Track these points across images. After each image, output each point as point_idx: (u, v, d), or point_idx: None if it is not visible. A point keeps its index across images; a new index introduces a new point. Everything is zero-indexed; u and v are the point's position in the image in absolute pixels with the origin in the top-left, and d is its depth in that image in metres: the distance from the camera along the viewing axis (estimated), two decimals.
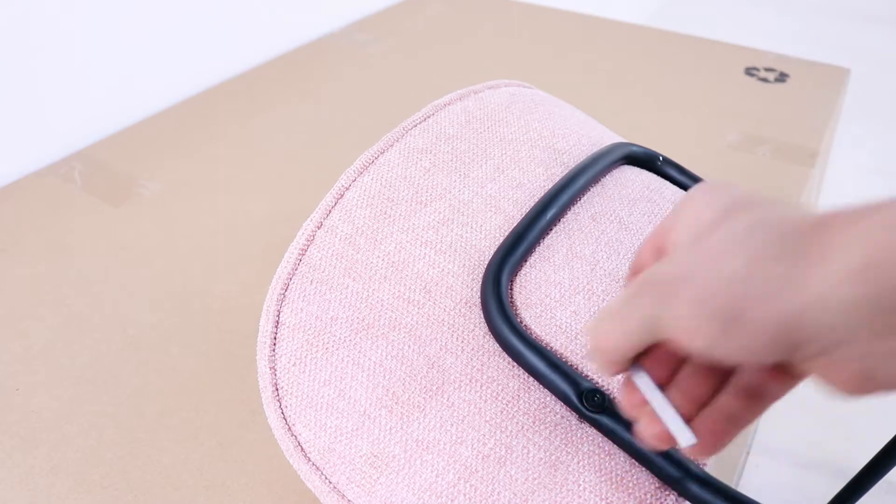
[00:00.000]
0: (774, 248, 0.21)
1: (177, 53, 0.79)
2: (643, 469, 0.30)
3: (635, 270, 0.28)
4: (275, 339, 0.34)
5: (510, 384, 0.31)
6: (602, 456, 0.30)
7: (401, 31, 0.97)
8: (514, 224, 0.36)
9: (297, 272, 0.35)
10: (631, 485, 0.29)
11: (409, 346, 0.33)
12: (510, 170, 0.39)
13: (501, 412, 0.31)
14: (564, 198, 0.37)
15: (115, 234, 0.59)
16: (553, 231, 0.36)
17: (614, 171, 0.41)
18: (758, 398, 0.26)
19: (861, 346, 0.21)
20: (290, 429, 0.33)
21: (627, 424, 0.29)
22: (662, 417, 0.25)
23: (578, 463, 0.30)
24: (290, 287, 0.35)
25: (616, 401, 0.31)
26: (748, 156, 0.71)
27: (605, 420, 0.30)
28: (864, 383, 0.23)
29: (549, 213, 0.36)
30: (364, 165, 0.38)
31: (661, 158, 0.44)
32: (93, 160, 0.68)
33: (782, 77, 0.87)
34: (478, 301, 0.33)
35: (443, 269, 0.34)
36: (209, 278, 0.55)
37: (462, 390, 0.31)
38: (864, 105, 1.49)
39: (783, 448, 0.95)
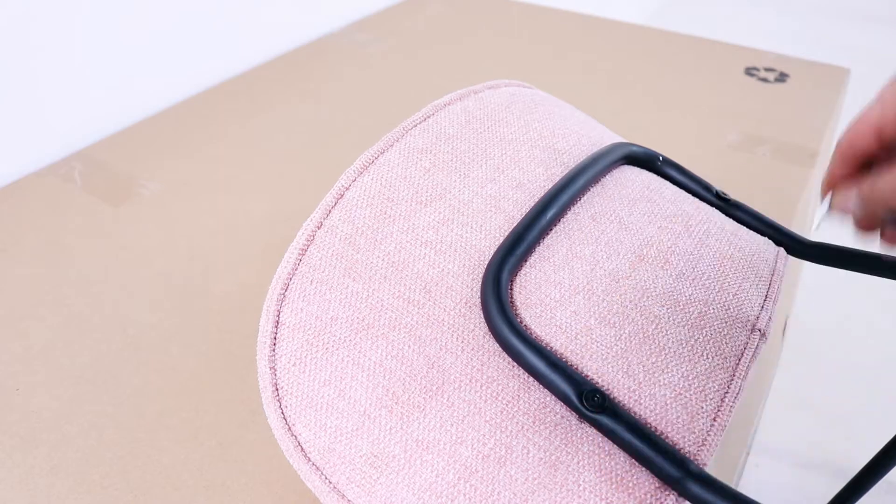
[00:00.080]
0: None
1: (177, 53, 0.79)
2: (643, 469, 0.30)
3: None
4: (275, 339, 0.34)
5: (510, 384, 0.31)
6: (602, 456, 0.30)
7: (401, 31, 0.97)
8: (515, 224, 0.36)
9: (297, 272, 0.35)
10: (631, 485, 0.29)
11: (409, 346, 0.33)
12: (510, 170, 0.39)
13: (501, 412, 0.31)
14: (564, 198, 0.37)
15: (115, 234, 0.59)
16: (553, 231, 0.36)
17: (614, 171, 0.41)
18: None
19: None
20: (290, 429, 0.33)
21: (627, 424, 0.29)
22: None
23: (578, 463, 0.30)
24: (290, 287, 0.35)
25: (616, 400, 0.31)
26: (748, 156, 0.71)
27: (605, 420, 0.30)
28: None
29: (549, 213, 0.36)
30: (364, 165, 0.38)
31: (661, 158, 0.44)
32: (93, 160, 0.68)
33: (782, 77, 0.87)
34: (478, 301, 0.33)
35: (443, 269, 0.34)
36: (209, 278, 0.55)
37: (462, 390, 0.31)
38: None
39: (783, 448, 0.96)
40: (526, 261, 0.35)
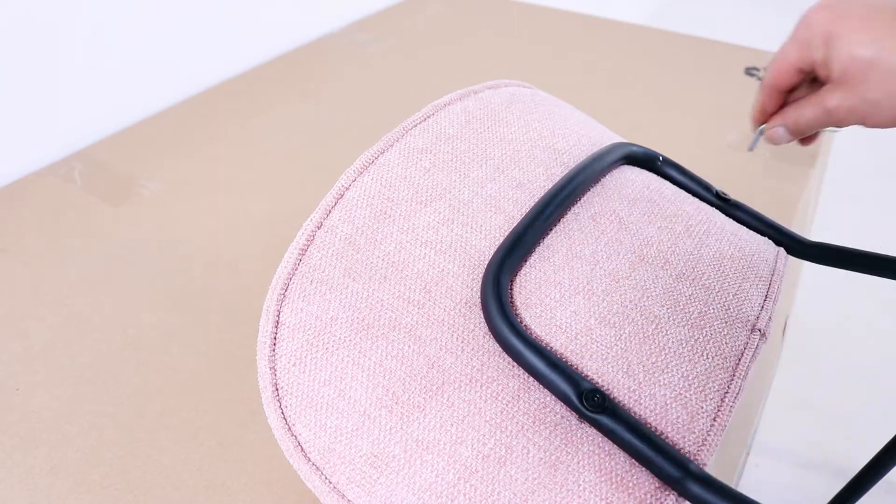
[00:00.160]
0: None
1: (177, 53, 0.79)
2: (643, 469, 0.30)
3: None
4: (275, 339, 0.34)
5: (510, 384, 0.31)
6: (602, 456, 0.30)
7: (401, 31, 0.97)
8: (514, 224, 0.36)
9: (297, 272, 0.35)
10: (631, 485, 0.29)
11: (409, 347, 0.33)
12: (510, 170, 0.39)
13: (501, 412, 0.31)
14: (564, 198, 0.37)
15: (115, 234, 0.59)
16: (553, 231, 0.36)
17: (614, 171, 0.41)
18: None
19: None
20: (290, 429, 0.33)
21: (627, 424, 0.29)
22: None
23: (578, 463, 0.30)
24: (290, 287, 0.35)
25: (616, 400, 0.31)
26: (748, 156, 0.71)
27: (605, 420, 0.30)
28: None
29: (549, 213, 0.36)
30: (364, 165, 0.38)
31: (661, 158, 0.44)
32: (93, 160, 0.68)
33: None
34: (478, 301, 0.33)
35: (443, 270, 0.34)
36: (209, 278, 0.55)
37: (462, 390, 0.31)
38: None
39: (783, 448, 0.96)
40: (526, 261, 0.35)
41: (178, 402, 0.45)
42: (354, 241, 0.36)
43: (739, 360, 0.34)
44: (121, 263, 0.56)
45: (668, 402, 0.31)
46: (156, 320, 0.51)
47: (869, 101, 0.34)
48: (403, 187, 0.37)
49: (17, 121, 0.66)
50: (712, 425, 0.31)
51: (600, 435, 0.30)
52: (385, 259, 0.35)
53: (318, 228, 0.36)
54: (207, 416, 0.44)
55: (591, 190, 0.39)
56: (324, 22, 0.97)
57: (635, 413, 0.31)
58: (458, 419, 0.31)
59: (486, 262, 0.34)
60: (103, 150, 0.70)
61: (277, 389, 0.33)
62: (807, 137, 0.41)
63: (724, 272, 0.37)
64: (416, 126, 0.40)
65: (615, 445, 0.30)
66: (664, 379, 0.32)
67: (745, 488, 0.89)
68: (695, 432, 0.31)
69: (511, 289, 0.34)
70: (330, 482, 0.32)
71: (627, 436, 0.29)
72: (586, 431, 0.30)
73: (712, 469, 0.31)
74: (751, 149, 0.41)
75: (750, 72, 0.88)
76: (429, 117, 0.41)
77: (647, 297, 0.35)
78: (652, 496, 0.29)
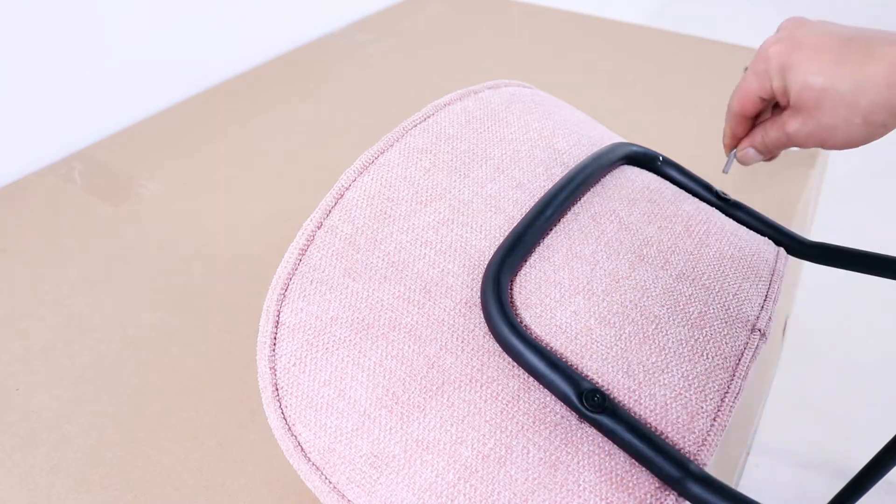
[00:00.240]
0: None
1: (177, 53, 0.79)
2: (643, 469, 0.30)
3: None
4: (275, 339, 0.34)
5: (510, 384, 0.31)
6: (602, 456, 0.30)
7: (401, 31, 0.97)
8: (514, 224, 0.36)
9: (297, 272, 0.35)
10: (631, 485, 0.29)
11: (409, 346, 0.33)
12: (510, 170, 0.39)
13: (501, 412, 0.31)
14: (564, 198, 0.37)
15: (115, 234, 0.59)
16: (553, 231, 0.36)
17: (614, 171, 0.41)
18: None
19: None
20: (290, 429, 0.33)
21: (627, 424, 0.29)
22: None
23: (578, 463, 0.30)
24: (290, 287, 0.35)
25: (616, 400, 0.31)
26: None
27: (605, 420, 0.30)
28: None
29: (549, 213, 0.36)
30: (364, 165, 0.38)
31: (661, 158, 0.44)
32: (93, 160, 0.68)
33: None
34: (478, 301, 0.33)
35: (443, 270, 0.34)
36: (209, 278, 0.55)
37: (462, 390, 0.31)
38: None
39: (783, 448, 0.96)
40: (526, 261, 0.35)
41: (178, 402, 0.45)
42: (354, 241, 0.36)
43: (739, 360, 0.34)
44: (121, 263, 0.56)
45: (668, 402, 0.31)
46: (156, 320, 0.51)
47: (824, 125, 0.37)
48: (403, 187, 0.37)
49: (17, 121, 0.66)
50: (712, 425, 0.31)
51: (600, 435, 0.30)
52: (385, 259, 0.35)
53: (318, 228, 0.36)
54: (207, 416, 0.44)
55: (591, 190, 0.39)
56: (324, 22, 0.97)
57: (635, 413, 0.31)
58: (458, 419, 0.31)
59: (486, 262, 0.34)
60: (103, 150, 0.70)
61: (277, 389, 0.33)
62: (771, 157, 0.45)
63: (724, 272, 0.37)
64: (416, 126, 0.40)
65: (615, 445, 0.30)
66: (664, 379, 0.32)
67: (745, 488, 0.89)
68: (695, 432, 0.31)
69: (511, 289, 0.34)
70: (330, 482, 0.32)
71: (627, 436, 0.29)
72: (586, 431, 0.30)
73: (712, 469, 0.31)
74: (725, 171, 0.44)
75: None
76: (429, 117, 0.41)
77: (647, 297, 0.35)
78: (652, 496, 0.29)
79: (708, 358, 0.33)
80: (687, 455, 0.30)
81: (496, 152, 0.40)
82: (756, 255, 0.40)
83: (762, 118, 0.43)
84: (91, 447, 0.42)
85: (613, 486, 0.29)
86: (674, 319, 0.34)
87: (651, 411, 0.31)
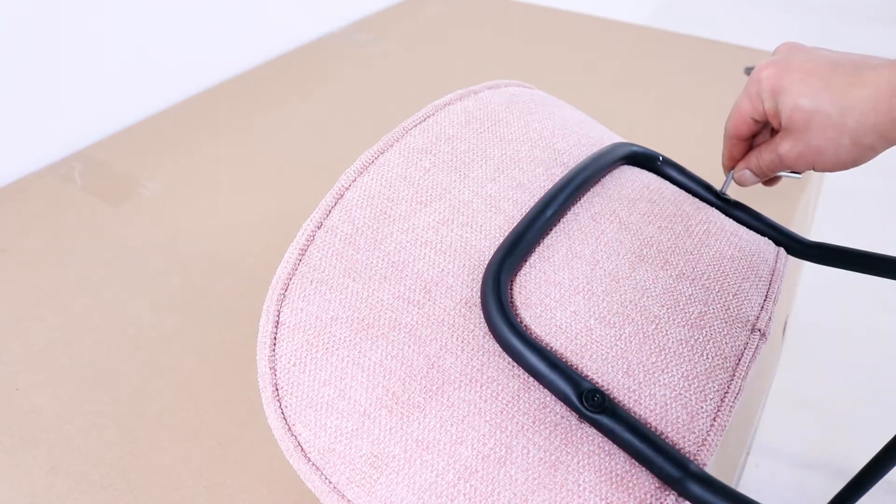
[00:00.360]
0: None
1: (177, 53, 0.79)
2: (643, 469, 0.30)
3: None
4: (275, 339, 0.34)
5: (510, 384, 0.31)
6: (602, 456, 0.30)
7: (401, 31, 0.97)
8: (514, 224, 0.36)
9: (297, 272, 0.35)
10: (631, 485, 0.29)
11: (409, 346, 0.33)
12: (510, 170, 0.39)
13: (501, 412, 0.31)
14: (564, 198, 0.37)
15: (115, 234, 0.59)
16: (553, 231, 0.36)
17: (614, 171, 0.41)
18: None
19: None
20: (290, 429, 0.33)
21: (627, 424, 0.29)
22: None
23: (578, 463, 0.30)
24: (290, 287, 0.35)
25: (616, 400, 0.31)
26: None
27: (605, 420, 0.30)
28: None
29: (549, 213, 0.36)
30: (364, 165, 0.38)
31: (661, 158, 0.44)
32: (93, 160, 0.68)
33: None
34: (478, 301, 0.33)
35: (443, 270, 0.34)
36: (209, 278, 0.55)
37: (462, 390, 0.31)
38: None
39: (783, 448, 0.95)
40: (526, 261, 0.35)
41: (178, 402, 0.45)
42: (354, 241, 0.36)
43: (739, 360, 0.34)
44: (121, 263, 0.56)
45: (668, 402, 0.31)
46: (156, 320, 0.51)
47: (814, 147, 0.38)
48: (403, 187, 0.37)
49: (17, 121, 0.66)
50: (712, 425, 0.31)
51: (600, 435, 0.30)
52: (385, 259, 0.35)
53: (318, 228, 0.36)
54: (207, 416, 0.44)
55: (592, 190, 0.39)
56: (324, 22, 0.97)
57: (635, 413, 0.31)
58: (458, 419, 0.31)
59: (486, 262, 0.34)
60: (103, 150, 0.70)
61: (277, 389, 0.33)
62: (769, 180, 0.45)
63: (724, 272, 0.37)
64: (416, 126, 0.40)
65: (615, 445, 0.30)
66: (664, 379, 0.32)
67: (745, 488, 0.89)
68: (695, 432, 0.31)
69: (511, 289, 0.34)
70: (330, 482, 0.32)
71: (627, 436, 0.29)
72: (586, 431, 0.30)
73: (712, 469, 0.31)
74: (723, 192, 0.44)
75: (749, 72, 0.87)
76: (429, 117, 0.41)
77: (647, 297, 0.35)
78: (652, 496, 0.29)
79: (708, 358, 0.33)
80: (687, 455, 0.30)
81: (496, 152, 0.40)
82: (756, 255, 0.40)
83: (758, 140, 0.44)
84: (91, 447, 0.42)
85: (613, 486, 0.29)
86: (674, 319, 0.34)
87: (651, 411, 0.31)
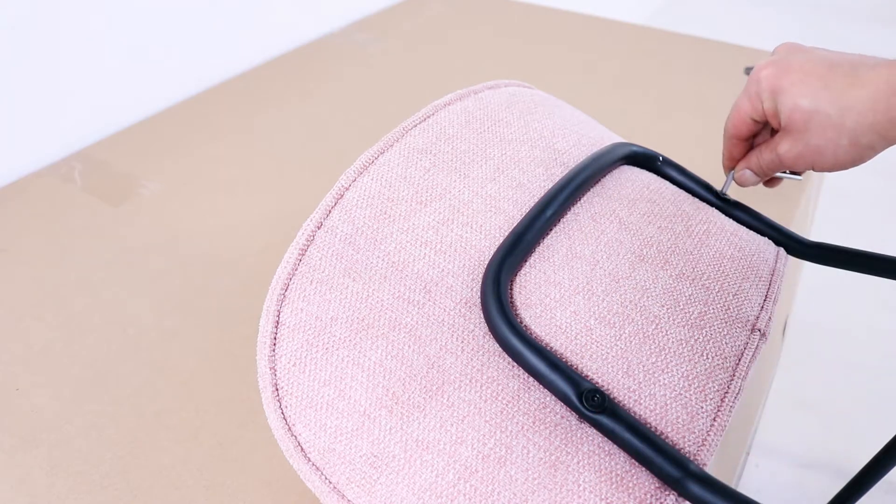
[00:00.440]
0: None
1: (177, 53, 0.79)
2: (643, 469, 0.30)
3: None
4: (275, 339, 0.34)
5: (510, 384, 0.31)
6: (602, 456, 0.30)
7: (401, 31, 0.97)
8: (514, 224, 0.36)
9: (297, 272, 0.35)
10: (631, 485, 0.29)
11: (409, 347, 0.33)
12: (510, 170, 0.39)
13: (501, 412, 0.31)
14: (564, 198, 0.37)
15: (115, 234, 0.59)
16: (553, 231, 0.36)
17: (614, 171, 0.41)
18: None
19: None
20: (290, 429, 0.33)
21: (627, 424, 0.29)
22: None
23: (578, 463, 0.30)
24: (290, 287, 0.35)
25: (616, 400, 0.31)
26: None
27: (605, 420, 0.30)
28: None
29: (549, 214, 0.36)
30: (364, 165, 0.38)
31: (660, 158, 0.44)
32: (93, 160, 0.68)
33: None
34: (478, 301, 0.33)
35: (443, 270, 0.34)
36: (209, 278, 0.55)
37: (462, 390, 0.31)
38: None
39: (783, 448, 0.95)
40: (526, 261, 0.35)
41: (178, 402, 0.45)
42: (354, 241, 0.36)
43: (739, 360, 0.34)
44: (121, 263, 0.56)
45: (668, 402, 0.31)
46: (156, 320, 0.51)
47: (813, 147, 0.38)
48: (403, 187, 0.37)
49: (17, 121, 0.66)
50: (712, 425, 0.31)
51: (600, 435, 0.30)
52: (385, 259, 0.35)
53: (318, 228, 0.36)
54: (207, 416, 0.44)
55: (591, 190, 0.39)
56: (324, 22, 0.97)
57: (635, 413, 0.31)
58: (458, 419, 0.31)
59: (486, 262, 0.34)
60: (103, 150, 0.70)
61: (277, 389, 0.33)
62: (770, 181, 0.46)
63: (724, 272, 0.37)
64: (416, 126, 0.40)
65: (615, 445, 0.30)
66: (664, 379, 0.32)
67: (745, 488, 0.89)
68: (695, 432, 0.31)
69: (511, 289, 0.34)
70: (330, 482, 0.32)
71: (627, 436, 0.29)
72: (586, 431, 0.30)
73: (712, 469, 0.31)
74: (723, 192, 0.44)
75: (749, 72, 0.87)
76: (429, 117, 0.41)
77: (647, 297, 0.35)
78: (652, 496, 0.29)
79: (708, 358, 0.33)
80: (687, 455, 0.30)
81: (496, 152, 0.40)
82: (756, 255, 0.40)
83: (759, 140, 0.44)
84: (91, 447, 0.42)
85: (613, 486, 0.29)
86: (674, 319, 0.34)
87: (651, 411, 0.31)
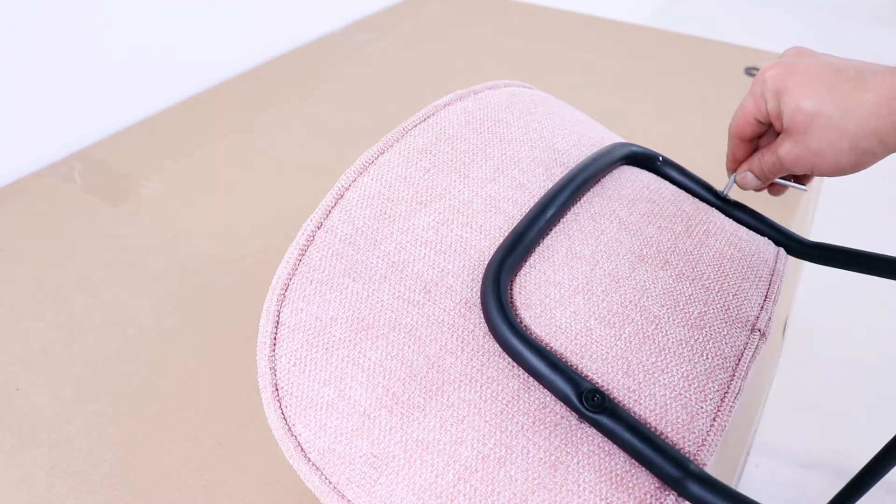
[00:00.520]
0: None
1: (177, 53, 0.79)
2: (643, 469, 0.30)
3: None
4: (275, 339, 0.34)
5: (510, 384, 0.31)
6: (602, 456, 0.30)
7: (401, 31, 0.97)
8: (514, 224, 0.36)
9: (297, 272, 0.35)
10: (631, 485, 0.29)
11: (409, 347, 0.33)
12: (510, 170, 0.39)
13: (501, 412, 0.31)
14: (564, 198, 0.37)
15: (115, 234, 0.59)
16: (553, 231, 0.36)
17: (614, 172, 0.41)
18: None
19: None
20: (290, 429, 0.33)
21: (627, 424, 0.29)
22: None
23: (578, 463, 0.30)
24: (290, 287, 0.35)
25: (616, 400, 0.31)
26: None
27: (605, 420, 0.30)
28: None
29: (549, 214, 0.36)
30: (364, 165, 0.38)
31: (660, 158, 0.44)
32: (93, 160, 0.69)
33: None
34: (478, 301, 0.33)
35: (443, 270, 0.34)
36: (209, 278, 0.55)
37: (462, 390, 0.31)
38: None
39: (783, 448, 0.96)
40: (526, 261, 0.35)
41: (178, 402, 0.45)
42: (354, 241, 0.36)
43: (739, 360, 0.34)
44: (121, 263, 0.56)
45: (667, 402, 0.31)
46: (156, 320, 0.51)
47: (813, 150, 0.38)
48: (403, 187, 0.37)
49: (17, 121, 0.66)
50: (712, 425, 0.31)
51: (600, 435, 0.30)
52: (385, 259, 0.35)
53: (318, 228, 0.36)
54: (207, 416, 0.44)
55: (591, 190, 0.39)
56: (324, 22, 0.97)
57: (635, 413, 0.31)
58: (457, 419, 0.31)
59: (486, 263, 0.34)
60: (103, 150, 0.70)
61: (277, 389, 0.33)
62: (774, 188, 0.45)
63: (724, 272, 0.37)
64: (416, 126, 0.40)
65: (615, 445, 0.30)
66: (664, 379, 0.32)
67: (745, 488, 0.89)
68: (695, 432, 0.31)
69: (511, 289, 0.34)
70: (330, 482, 0.32)
71: (627, 436, 0.29)
72: (586, 431, 0.30)
73: (712, 469, 0.31)
74: (724, 193, 0.44)
75: (750, 72, 0.88)
76: (429, 117, 0.41)
77: (647, 297, 0.35)
78: (652, 496, 0.29)
79: (708, 358, 0.33)
80: (687, 455, 0.30)
81: (496, 152, 0.40)
82: (756, 255, 0.40)
83: (763, 143, 0.44)
84: (91, 447, 0.43)
85: (613, 486, 0.29)
86: (674, 319, 0.34)
87: (651, 411, 0.31)
